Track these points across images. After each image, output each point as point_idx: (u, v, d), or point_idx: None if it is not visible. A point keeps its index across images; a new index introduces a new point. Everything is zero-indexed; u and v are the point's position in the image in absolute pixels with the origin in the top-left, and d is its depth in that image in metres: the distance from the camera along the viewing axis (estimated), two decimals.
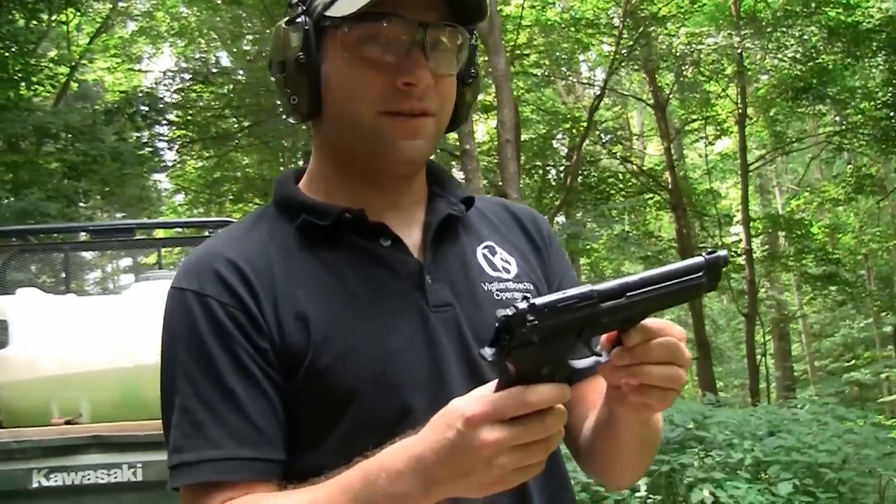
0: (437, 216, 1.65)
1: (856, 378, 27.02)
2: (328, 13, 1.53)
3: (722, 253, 1.32)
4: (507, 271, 1.69)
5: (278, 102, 1.66)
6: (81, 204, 16.26)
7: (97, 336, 4.74)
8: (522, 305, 1.18)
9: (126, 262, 34.22)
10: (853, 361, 28.75)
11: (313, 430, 1.49)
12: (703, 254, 1.32)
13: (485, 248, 1.71)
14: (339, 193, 1.61)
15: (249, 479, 1.43)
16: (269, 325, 1.48)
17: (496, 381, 1.25)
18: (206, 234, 7.03)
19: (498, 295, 1.64)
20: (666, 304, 1.31)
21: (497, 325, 1.19)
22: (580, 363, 1.28)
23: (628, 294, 1.26)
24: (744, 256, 19.87)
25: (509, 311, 1.18)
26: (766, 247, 23.61)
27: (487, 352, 1.21)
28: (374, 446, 1.37)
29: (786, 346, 28.25)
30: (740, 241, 21.04)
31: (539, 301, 1.19)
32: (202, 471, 1.43)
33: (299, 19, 1.56)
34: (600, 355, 1.31)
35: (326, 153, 1.66)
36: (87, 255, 21.05)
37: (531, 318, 1.18)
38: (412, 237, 1.62)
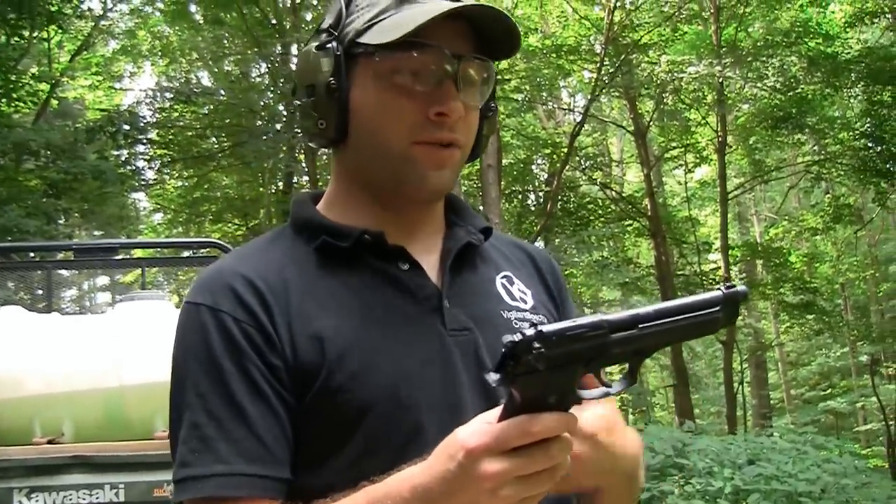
0: (457, 243, 1.65)
1: (832, 407, 27.14)
2: (362, 40, 1.54)
3: (741, 288, 1.29)
4: (525, 301, 1.69)
5: (297, 124, 1.66)
6: (61, 222, 16.19)
7: (81, 356, 4.71)
8: (529, 332, 1.17)
9: (103, 280, 34.15)
10: (829, 390, 28.91)
11: (324, 447, 1.48)
12: (722, 287, 1.29)
13: (503, 277, 1.71)
14: (358, 218, 1.61)
15: (254, 496, 1.42)
16: (283, 342, 1.47)
17: (501, 406, 1.24)
18: (189, 254, 7.02)
19: (516, 323, 1.63)
20: (679, 337, 1.29)
21: (503, 350, 1.18)
22: (588, 393, 1.27)
23: (640, 326, 1.24)
24: (722, 283, 19.86)
25: (515, 337, 1.17)
26: (745, 275, 23.68)
27: (492, 377, 1.20)
28: (384, 465, 1.37)
29: (763, 374, 28.33)
30: (719, 268, 21.13)
31: (547, 328, 1.17)
32: (207, 485, 1.42)
33: (330, 45, 1.56)
34: (609, 385, 1.29)
35: (348, 179, 1.66)
36: (66, 272, 20.92)
37: (538, 345, 1.16)
38: (430, 263, 1.62)
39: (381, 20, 1.54)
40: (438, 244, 1.67)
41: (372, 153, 1.57)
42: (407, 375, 1.49)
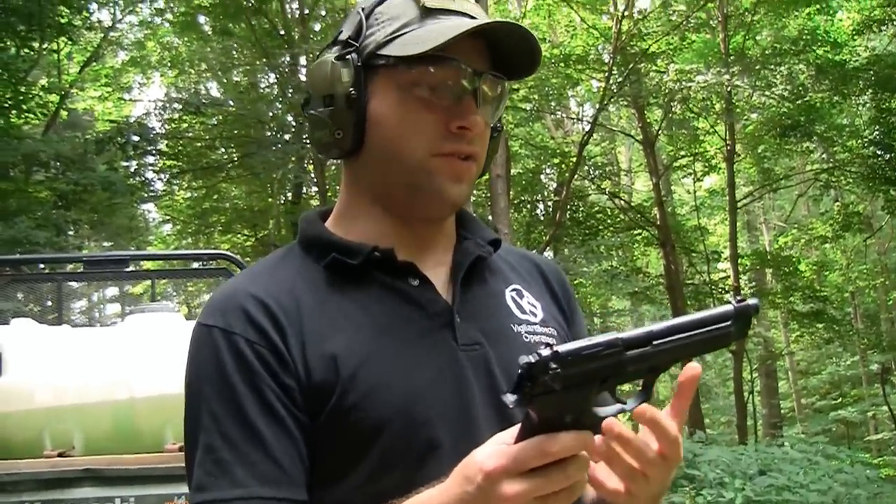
0: (467, 257, 1.65)
1: (842, 416, 27.07)
2: (384, 52, 1.55)
3: (752, 302, 1.29)
4: (535, 315, 1.69)
5: (306, 134, 1.67)
6: (70, 233, 16.23)
7: (91, 368, 4.71)
8: (545, 352, 1.16)
9: (112, 291, 34.23)
10: (840, 399, 28.84)
11: (340, 464, 1.47)
12: (733, 302, 1.29)
13: (513, 290, 1.71)
14: (368, 232, 1.61)
15: None
16: (296, 363, 1.47)
17: (518, 426, 1.24)
18: (198, 265, 7.02)
19: (526, 337, 1.63)
20: (693, 352, 1.28)
21: (519, 371, 1.18)
22: (605, 411, 1.26)
23: (654, 342, 1.23)
24: (731, 293, 19.89)
25: (532, 358, 1.17)
26: (754, 283, 23.65)
27: (510, 398, 1.19)
28: (400, 481, 1.38)
29: (773, 384, 28.24)
30: (728, 277, 21.08)
31: (563, 349, 1.17)
32: None
33: (350, 56, 1.57)
34: (625, 402, 1.29)
35: (360, 191, 1.65)
36: (75, 284, 20.97)
37: (554, 365, 1.16)
38: (440, 277, 1.62)
39: (403, 34, 1.55)
40: (448, 258, 1.67)
41: (390, 165, 1.57)
42: (420, 391, 1.49)
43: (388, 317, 1.54)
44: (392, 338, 1.52)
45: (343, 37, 1.61)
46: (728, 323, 1.28)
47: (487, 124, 1.60)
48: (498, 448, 1.24)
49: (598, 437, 1.26)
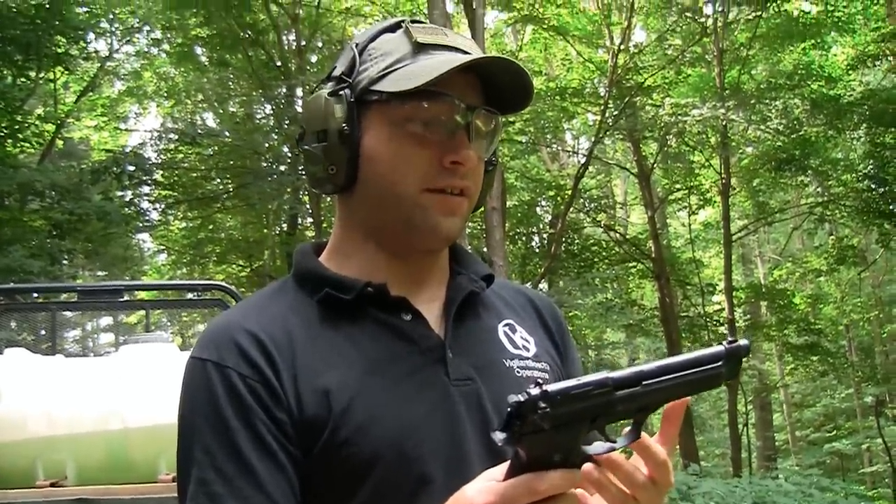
0: (460, 292, 1.66)
1: (837, 448, 27.04)
2: (377, 88, 1.56)
3: (743, 343, 1.30)
4: (527, 349, 1.70)
5: (302, 166, 1.70)
6: (65, 262, 16.21)
7: (85, 398, 4.70)
8: (535, 392, 1.18)
9: (107, 321, 34.09)
10: (834, 432, 28.80)
11: (332, 499, 1.48)
12: (725, 343, 1.30)
13: (505, 325, 1.72)
14: (362, 267, 1.62)
15: None
16: (289, 397, 1.47)
17: (507, 463, 1.25)
18: (193, 296, 7.01)
19: (519, 372, 1.64)
20: (683, 393, 1.30)
21: (508, 410, 1.19)
22: (594, 449, 1.27)
23: (644, 383, 1.25)
24: (726, 326, 19.89)
25: (521, 397, 1.18)
26: (749, 316, 23.63)
27: (499, 436, 1.21)
28: None
29: (767, 416, 28.22)
30: (723, 310, 21.06)
31: (552, 388, 1.18)
32: None
33: (343, 92, 1.59)
34: (614, 441, 1.29)
35: (353, 227, 1.67)
36: (69, 313, 20.92)
37: (543, 405, 1.17)
38: (433, 312, 1.63)
39: (396, 69, 1.56)
40: (442, 293, 1.67)
41: (383, 200, 1.58)
42: (412, 427, 1.49)
43: (380, 352, 1.54)
44: (384, 373, 1.52)
45: (337, 72, 1.63)
46: (719, 364, 1.29)
47: (481, 159, 1.61)
48: (487, 485, 1.25)
49: (589, 465, 1.27)
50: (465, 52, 1.58)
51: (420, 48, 1.57)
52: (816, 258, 23.84)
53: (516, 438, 1.20)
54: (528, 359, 1.68)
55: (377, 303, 1.58)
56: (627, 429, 1.31)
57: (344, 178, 1.59)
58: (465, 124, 1.55)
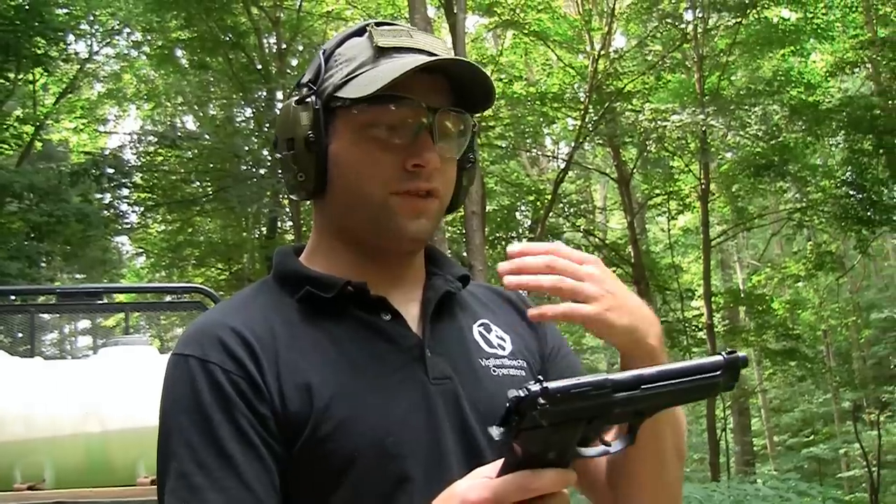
0: (436, 293, 1.67)
1: (814, 453, 27.12)
2: (340, 94, 1.58)
3: (741, 355, 1.30)
4: (503, 348, 1.71)
5: (280, 176, 1.71)
6: (43, 265, 16.14)
7: (63, 401, 4.67)
8: (535, 388, 1.17)
9: (84, 324, 33.96)
10: (812, 437, 28.89)
11: (312, 496, 1.48)
12: (723, 353, 1.30)
13: (480, 325, 1.73)
14: (341, 268, 1.63)
15: None
16: (272, 393, 1.48)
17: (501, 460, 1.25)
18: (172, 299, 6.98)
19: (495, 371, 1.65)
20: (679, 400, 1.31)
21: (507, 405, 1.19)
22: (588, 451, 1.28)
23: (643, 387, 1.24)
24: (705, 331, 19.95)
25: (521, 393, 1.17)
26: (727, 322, 23.68)
27: (495, 431, 1.20)
28: None
29: (745, 421, 28.25)
30: (702, 315, 21.11)
31: (552, 385, 1.17)
32: None
33: (309, 99, 1.60)
34: (609, 444, 1.30)
35: (328, 231, 1.69)
36: (47, 316, 20.81)
37: (542, 401, 1.16)
38: (411, 313, 1.64)
39: (358, 74, 1.57)
40: (419, 294, 1.69)
41: (351, 204, 1.60)
42: (392, 424, 1.50)
43: (360, 350, 1.55)
44: (364, 371, 1.53)
45: (305, 80, 1.65)
46: (717, 373, 1.29)
47: (449, 159, 1.62)
48: (480, 481, 1.26)
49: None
50: (431, 54, 1.59)
51: (382, 52, 1.58)
52: (795, 264, 23.92)
53: (514, 434, 1.20)
54: (503, 357, 1.69)
55: (357, 302, 1.59)
56: (613, 432, 1.32)
57: (314, 184, 1.61)
58: (428, 126, 1.56)
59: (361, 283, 1.59)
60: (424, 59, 1.54)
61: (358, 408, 1.48)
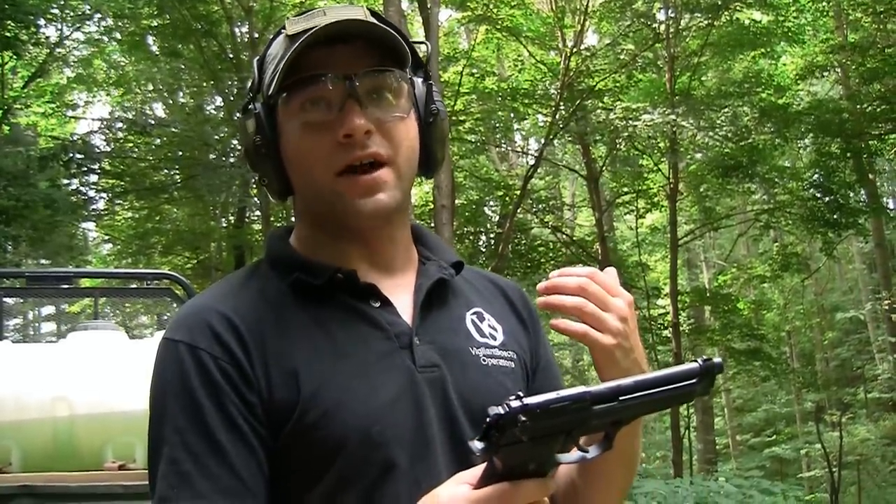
0: (429, 280, 1.68)
1: (776, 453, 27.32)
2: (270, 93, 1.60)
3: (717, 361, 1.32)
4: (494, 338, 1.72)
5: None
6: (9, 249, 16.00)
7: (31, 384, 4.66)
8: (515, 404, 1.18)
9: (49, 309, 33.71)
10: (774, 437, 29.10)
11: (299, 483, 1.49)
12: (699, 361, 1.32)
13: (473, 313, 1.73)
14: (331, 255, 1.64)
15: None
16: (259, 379, 1.49)
17: (480, 468, 1.27)
18: (143, 285, 6.96)
19: (484, 360, 1.66)
20: (656, 408, 1.32)
21: (487, 421, 1.20)
22: (566, 458, 1.29)
23: (621, 398, 1.26)
24: (670, 329, 20.04)
25: (501, 410, 1.19)
26: (693, 320, 23.77)
27: (476, 446, 1.21)
28: (357, 501, 1.42)
29: (709, 420, 28.38)
30: (667, 313, 21.19)
31: (531, 401, 1.19)
32: None
33: (251, 106, 1.62)
34: (586, 451, 1.31)
35: (306, 220, 1.70)
36: (10, 301, 20.66)
37: (523, 418, 1.18)
38: (402, 299, 1.64)
39: (278, 69, 1.58)
40: (410, 280, 1.69)
41: (310, 195, 1.63)
42: (378, 412, 1.51)
43: (348, 338, 1.56)
44: (352, 358, 1.54)
45: (248, 89, 1.67)
46: (693, 381, 1.31)
47: (390, 120, 1.59)
48: (461, 490, 1.27)
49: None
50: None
51: (292, 40, 1.57)
52: (761, 264, 24.08)
53: (494, 449, 1.21)
54: (494, 347, 1.70)
55: (347, 289, 1.60)
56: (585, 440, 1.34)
57: (277, 185, 1.64)
58: (349, 93, 1.55)
59: (351, 270, 1.60)
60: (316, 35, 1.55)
61: (344, 396, 1.49)
